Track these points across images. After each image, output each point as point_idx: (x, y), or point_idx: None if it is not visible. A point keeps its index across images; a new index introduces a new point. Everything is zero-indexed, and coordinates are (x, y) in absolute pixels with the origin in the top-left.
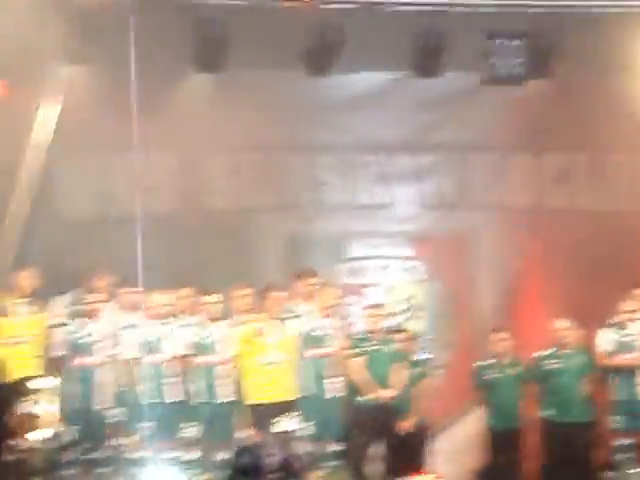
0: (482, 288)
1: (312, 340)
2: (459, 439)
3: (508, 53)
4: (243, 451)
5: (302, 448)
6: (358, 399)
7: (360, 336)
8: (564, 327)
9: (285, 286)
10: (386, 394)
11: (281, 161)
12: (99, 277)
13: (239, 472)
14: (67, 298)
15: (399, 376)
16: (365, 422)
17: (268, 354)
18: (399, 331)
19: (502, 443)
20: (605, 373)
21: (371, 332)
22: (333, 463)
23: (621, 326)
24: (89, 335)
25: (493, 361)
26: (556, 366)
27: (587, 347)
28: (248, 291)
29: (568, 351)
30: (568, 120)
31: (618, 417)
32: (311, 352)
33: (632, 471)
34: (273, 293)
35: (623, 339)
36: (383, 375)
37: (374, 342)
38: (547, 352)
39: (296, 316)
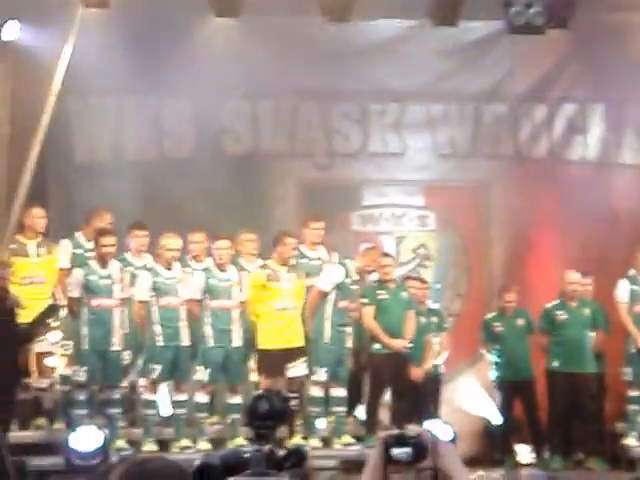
0: (495, 238)
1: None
2: (468, 389)
3: (527, 2)
4: (261, 397)
5: (313, 394)
6: (371, 347)
7: (372, 284)
8: (574, 279)
9: (299, 233)
10: (399, 343)
11: (296, 108)
12: (100, 215)
13: (257, 417)
14: (77, 239)
15: (411, 324)
16: (378, 370)
17: (282, 300)
18: (412, 279)
19: (511, 394)
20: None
21: (383, 281)
22: (343, 409)
23: (638, 277)
24: (104, 277)
25: (501, 314)
26: (564, 318)
27: (598, 300)
28: (254, 236)
29: (577, 303)
30: (585, 71)
31: (630, 369)
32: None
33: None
34: (287, 239)
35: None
36: (396, 323)
37: (385, 291)
38: (556, 303)
39: (309, 263)
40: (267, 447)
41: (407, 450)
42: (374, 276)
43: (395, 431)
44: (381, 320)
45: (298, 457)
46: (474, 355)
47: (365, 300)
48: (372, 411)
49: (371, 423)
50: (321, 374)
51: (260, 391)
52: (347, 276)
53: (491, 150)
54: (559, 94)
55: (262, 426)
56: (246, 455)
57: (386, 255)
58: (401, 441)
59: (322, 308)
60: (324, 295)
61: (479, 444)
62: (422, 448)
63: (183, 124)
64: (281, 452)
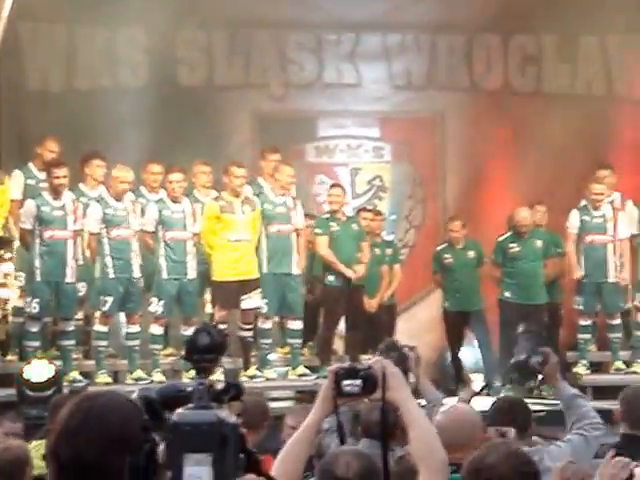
0: (449, 170)
1: (276, 217)
2: (421, 319)
3: None
4: (201, 330)
5: (266, 325)
6: (325, 279)
7: (326, 216)
8: (525, 211)
9: (253, 163)
10: (352, 271)
11: (251, 38)
12: (46, 145)
13: (198, 351)
14: (30, 170)
15: (365, 255)
16: (332, 301)
17: (236, 231)
18: (367, 211)
19: (461, 324)
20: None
21: (335, 212)
22: (298, 341)
23: (590, 208)
24: (57, 208)
25: (452, 245)
26: (517, 250)
27: (550, 230)
28: (209, 168)
29: (529, 235)
30: (539, 1)
31: (581, 298)
32: (276, 228)
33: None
34: (234, 169)
35: (592, 221)
36: (346, 255)
37: (339, 222)
38: (508, 236)
39: (261, 193)
40: (208, 380)
41: (357, 382)
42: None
43: (346, 363)
44: (332, 252)
45: (236, 391)
46: (428, 286)
47: (319, 230)
48: (326, 342)
49: (325, 354)
50: (265, 305)
51: (202, 323)
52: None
53: (446, 81)
54: (513, 25)
55: (203, 359)
56: (187, 389)
57: (335, 186)
58: (351, 373)
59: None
60: None
61: (433, 374)
62: (372, 380)
63: (137, 53)
64: (219, 386)
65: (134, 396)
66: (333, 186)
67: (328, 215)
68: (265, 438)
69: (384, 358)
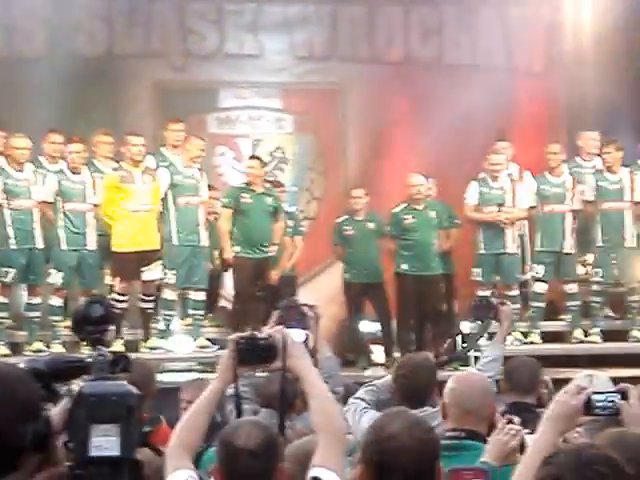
0: (351, 142)
1: (186, 189)
2: (322, 291)
3: None
4: (93, 302)
5: (168, 296)
6: (233, 249)
7: (237, 187)
8: (420, 182)
9: (154, 133)
10: (230, 256)
11: (151, 7)
12: None
13: (91, 322)
14: None
15: (278, 229)
16: (241, 273)
17: (137, 201)
18: (268, 182)
19: (361, 296)
20: (471, 225)
21: (250, 184)
22: (200, 312)
23: (488, 180)
24: None
25: (352, 217)
26: (411, 221)
27: (445, 202)
28: (110, 138)
29: (423, 206)
30: None
31: (479, 269)
32: (184, 200)
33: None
34: (130, 138)
35: (490, 192)
36: (257, 228)
37: (250, 195)
38: (403, 207)
39: (171, 164)
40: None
41: (257, 351)
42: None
43: (246, 332)
44: (241, 225)
45: (125, 362)
46: (329, 258)
47: (225, 200)
48: (237, 315)
49: (236, 327)
50: (171, 277)
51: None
52: (177, 173)
53: (348, 53)
54: None
55: (97, 331)
56: (81, 360)
57: (252, 158)
58: (251, 342)
59: (165, 210)
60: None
61: (333, 345)
62: (272, 349)
63: (34, 22)
64: (107, 358)
65: (21, 366)
66: (251, 158)
67: (243, 186)
68: (161, 409)
69: (283, 316)
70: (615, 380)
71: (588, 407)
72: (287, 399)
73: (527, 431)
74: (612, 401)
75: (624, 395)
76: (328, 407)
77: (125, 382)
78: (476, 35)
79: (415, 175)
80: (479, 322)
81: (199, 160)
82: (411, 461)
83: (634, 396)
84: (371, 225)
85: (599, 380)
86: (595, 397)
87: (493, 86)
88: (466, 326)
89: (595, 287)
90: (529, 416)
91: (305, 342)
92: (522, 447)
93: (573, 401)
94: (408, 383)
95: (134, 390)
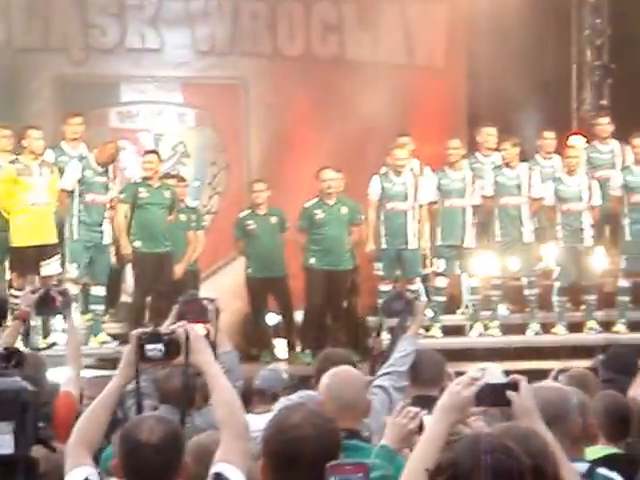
0: (253, 136)
1: (90, 185)
2: (224, 286)
3: None
4: None
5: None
6: (134, 244)
7: (134, 182)
8: (330, 177)
9: (54, 127)
10: (127, 251)
11: (50, 0)
12: None
13: None
14: None
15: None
16: (141, 268)
17: (34, 195)
18: (170, 176)
19: (263, 290)
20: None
21: (148, 179)
22: (101, 307)
23: (390, 175)
24: None
25: (254, 212)
26: (322, 216)
27: (353, 197)
28: (9, 132)
29: (334, 202)
30: None
31: (381, 264)
32: (90, 197)
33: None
34: (30, 132)
35: (393, 187)
36: (154, 223)
37: (146, 189)
38: (314, 202)
39: (66, 158)
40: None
41: (159, 347)
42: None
43: (149, 328)
44: (139, 219)
45: (18, 357)
46: (232, 252)
47: (122, 196)
48: (137, 309)
49: (136, 322)
50: (73, 270)
51: None
52: (89, 168)
53: (249, 47)
54: None
55: None
56: None
57: (149, 152)
58: (154, 337)
59: (69, 205)
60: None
61: (236, 339)
62: (175, 345)
63: None
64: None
65: None
66: (147, 152)
67: (140, 181)
68: None
69: (183, 310)
70: (513, 373)
71: (479, 398)
72: (189, 394)
73: (425, 412)
74: (503, 393)
75: (515, 387)
76: (231, 402)
77: (19, 378)
78: (377, 31)
79: (326, 170)
80: (394, 317)
81: (110, 161)
82: (313, 451)
83: (525, 387)
84: (273, 219)
85: (491, 372)
86: (486, 387)
87: (394, 82)
88: (373, 321)
89: (494, 281)
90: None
91: (206, 336)
92: (421, 429)
93: (465, 392)
94: None
95: (28, 386)
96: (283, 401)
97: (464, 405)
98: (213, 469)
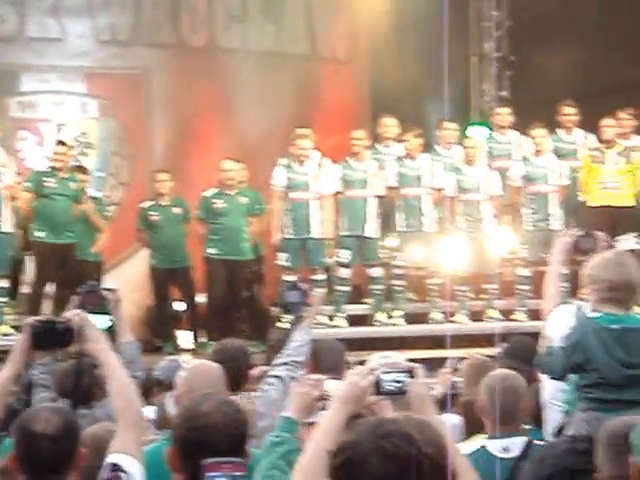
0: (156, 127)
1: None
2: (128, 277)
3: None
4: None
5: None
6: (33, 234)
7: (39, 171)
8: (230, 168)
9: None
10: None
11: None
12: None
13: None
14: None
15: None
16: (42, 258)
17: None
18: (73, 168)
19: (166, 281)
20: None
21: (55, 169)
22: (3, 299)
23: (294, 165)
24: None
25: (157, 202)
26: (222, 206)
27: (257, 188)
28: None
29: (235, 191)
30: None
31: (285, 254)
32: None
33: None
34: None
35: (297, 177)
36: (57, 214)
37: (54, 179)
38: (214, 192)
39: None
40: None
41: (55, 335)
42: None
43: (43, 316)
44: (44, 209)
45: None
46: (135, 243)
47: (27, 185)
48: (35, 299)
49: (33, 312)
50: None
51: None
52: None
53: (152, 38)
54: None
55: None
56: None
57: (59, 143)
58: (48, 326)
59: None
60: None
61: (140, 331)
62: (69, 333)
63: None
64: None
65: None
66: (58, 143)
67: (47, 170)
68: None
69: (83, 300)
70: (415, 361)
71: (377, 387)
72: (81, 384)
73: (326, 377)
74: (400, 381)
75: (411, 375)
76: (127, 391)
77: None
78: (281, 23)
79: (227, 161)
80: (290, 308)
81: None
82: (222, 438)
83: (421, 375)
84: (176, 210)
85: (390, 361)
86: (383, 377)
87: (298, 73)
88: (277, 311)
89: (397, 271)
90: None
91: (109, 327)
92: (322, 397)
93: (362, 382)
94: (225, 369)
95: None
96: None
97: (361, 395)
98: (108, 459)
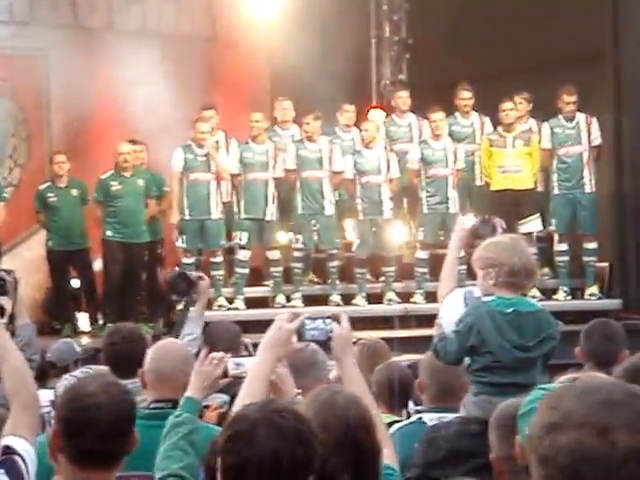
0: (54, 108)
1: None
2: (26, 259)
3: None
4: None
5: None
6: None
7: None
8: (126, 150)
9: None
10: None
11: None
12: None
13: None
14: None
15: None
16: None
17: None
18: None
19: (65, 263)
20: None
21: None
22: None
23: (193, 147)
24: None
25: (54, 184)
26: (119, 188)
27: (157, 170)
28: None
29: (131, 173)
30: None
31: (184, 236)
32: None
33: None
34: None
35: (196, 159)
36: None
37: None
38: (110, 174)
39: None
40: None
41: None
42: None
43: None
44: None
45: None
46: (33, 225)
47: None
48: None
49: None
50: None
51: None
52: None
53: (49, 18)
54: None
55: None
56: None
57: None
58: None
59: None
60: None
61: (38, 313)
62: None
63: None
64: None
65: None
66: None
67: None
68: None
69: None
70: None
71: (301, 333)
72: None
73: (229, 355)
74: (323, 328)
75: (336, 320)
76: (21, 373)
77: None
78: (180, 3)
79: (123, 143)
80: (179, 296)
81: None
82: (105, 419)
83: (345, 320)
84: (74, 192)
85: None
86: (307, 322)
87: (198, 54)
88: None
89: (296, 253)
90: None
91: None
92: (225, 374)
93: (287, 326)
94: (119, 352)
95: None
96: (67, 376)
97: (286, 340)
98: (2, 442)
